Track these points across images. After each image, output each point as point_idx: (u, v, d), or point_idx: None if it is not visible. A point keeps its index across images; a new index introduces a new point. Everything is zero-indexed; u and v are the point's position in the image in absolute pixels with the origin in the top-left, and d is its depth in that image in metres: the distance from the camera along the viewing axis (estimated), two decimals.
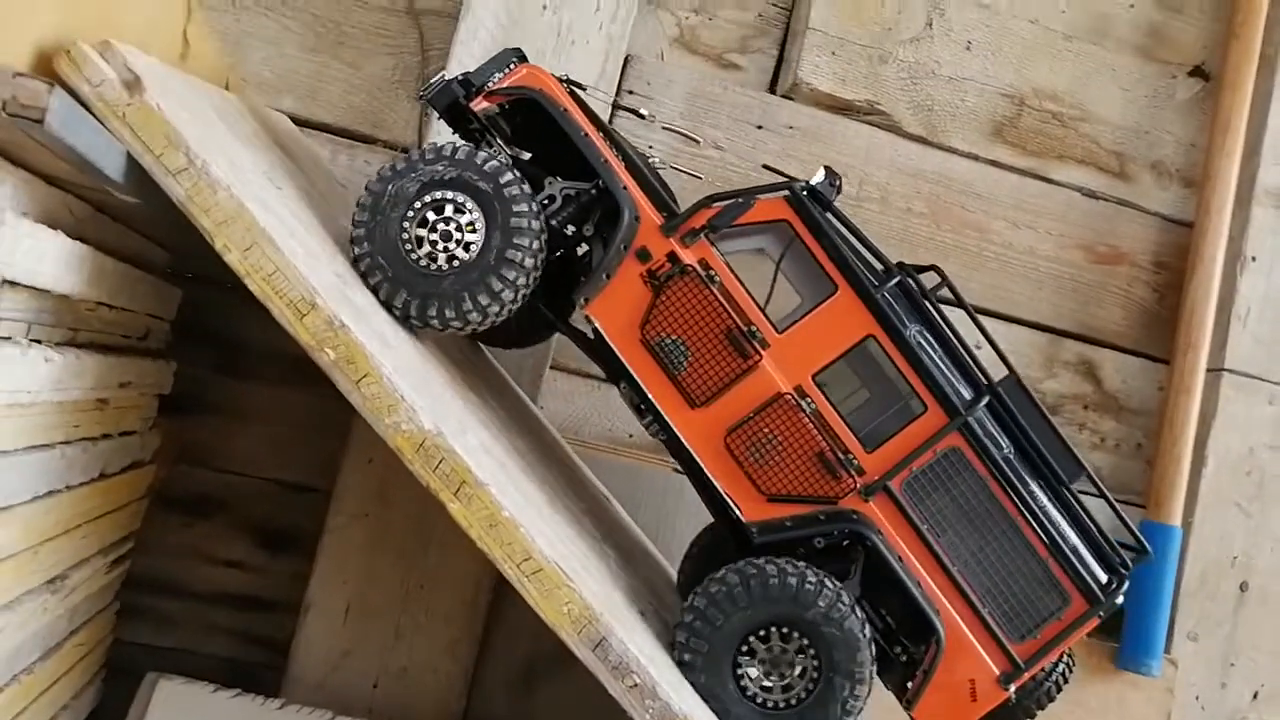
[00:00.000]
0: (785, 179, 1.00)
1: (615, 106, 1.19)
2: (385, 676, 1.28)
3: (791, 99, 1.56)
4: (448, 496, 0.82)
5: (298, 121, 1.41)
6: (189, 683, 1.15)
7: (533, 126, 1.03)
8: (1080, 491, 1.00)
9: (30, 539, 0.85)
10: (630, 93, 1.51)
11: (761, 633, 0.92)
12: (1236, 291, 1.63)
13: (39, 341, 0.83)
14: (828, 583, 0.92)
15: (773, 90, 1.58)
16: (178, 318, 1.24)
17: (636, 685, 0.83)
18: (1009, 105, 1.63)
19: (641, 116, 1.18)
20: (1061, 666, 1.07)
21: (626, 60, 1.49)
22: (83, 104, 0.75)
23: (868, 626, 0.93)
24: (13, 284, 0.72)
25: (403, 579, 1.30)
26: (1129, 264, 1.66)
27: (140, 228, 1.06)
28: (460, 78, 1.01)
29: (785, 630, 0.92)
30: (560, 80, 1.04)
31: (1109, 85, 1.66)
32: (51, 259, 0.74)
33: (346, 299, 0.85)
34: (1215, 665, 1.59)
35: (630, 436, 1.49)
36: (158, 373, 1.15)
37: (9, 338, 0.77)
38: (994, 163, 1.62)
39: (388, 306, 0.93)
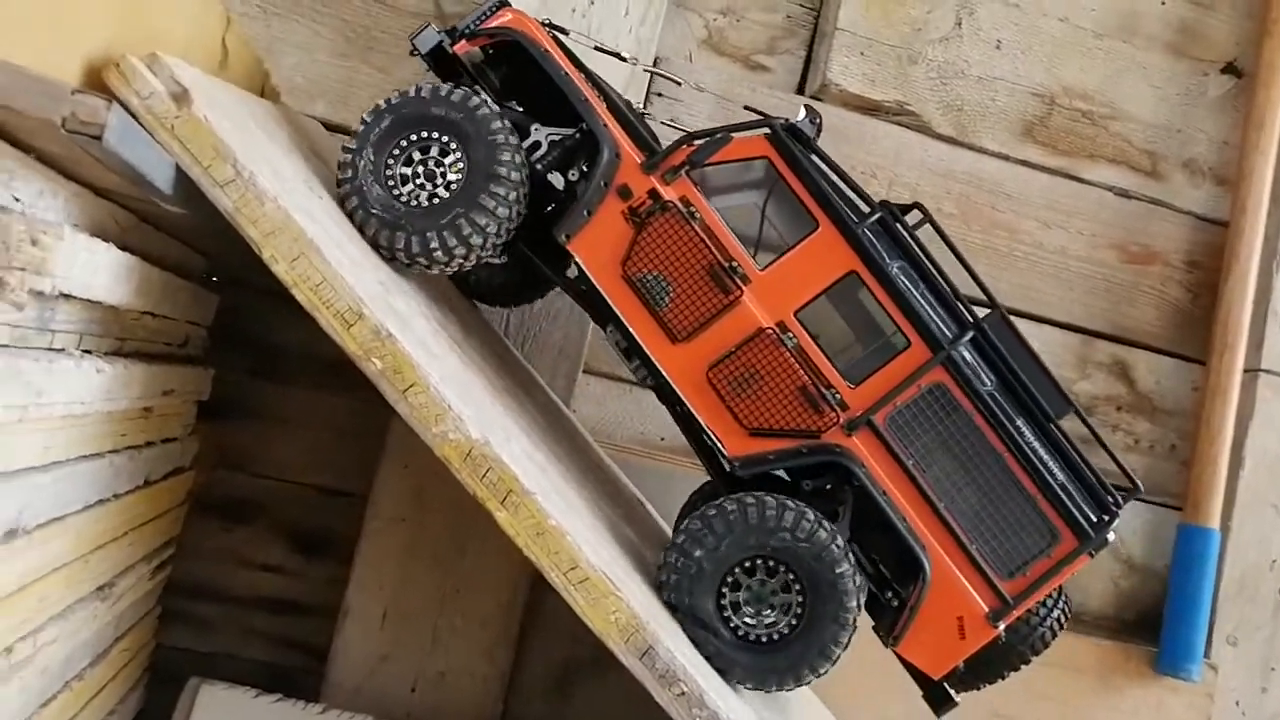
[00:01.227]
0: (765, 117, 1.01)
1: (598, 48, 1.20)
2: (423, 681, 1.29)
3: (820, 100, 1.56)
4: (495, 505, 0.82)
5: (329, 127, 1.42)
6: (231, 688, 1.15)
7: (520, 79, 1.04)
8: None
9: (81, 548, 0.86)
10: (659, 95, 1.51)
11: (741, 569, 0.93)
12: (1272, 290, 1.62)
13: (89, 352, 0.83)
14: (789, 503, 0.92)
15: (801, 91, 1.58)
16: (214, 323, 1.25)
17: (684, 694, 0.83)
18: (1039, 104, 1.62)
19: (622, 59, 1.20)
20: (1056, 613, 1.06)
21: (655, 62, 1.49)
22: (131, 116, 0.75)
23: (839, 537, 0.93)
24: (68, 297, 0.72)
25: (439, 583, 1.31)
26: (1162, 263, 1.65)
27: (180, 235, 1.07)
28: (449, 28, 1.03)
29: (764, 563, 0.93)
30: (543, 24, 1.05)
31: (1140, 83, 1.64)
32: (104, 271, 0.75)
33: (391, 308, 0.86)
34: (1255, 670, 1.57)
35: (662, 440, 1.49)
36: (197, 379, 1.16)
37: (62, 349, 0.77)
38: (1024, 162, 1.61)
39: (379, 248, 0.94)
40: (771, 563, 0.93)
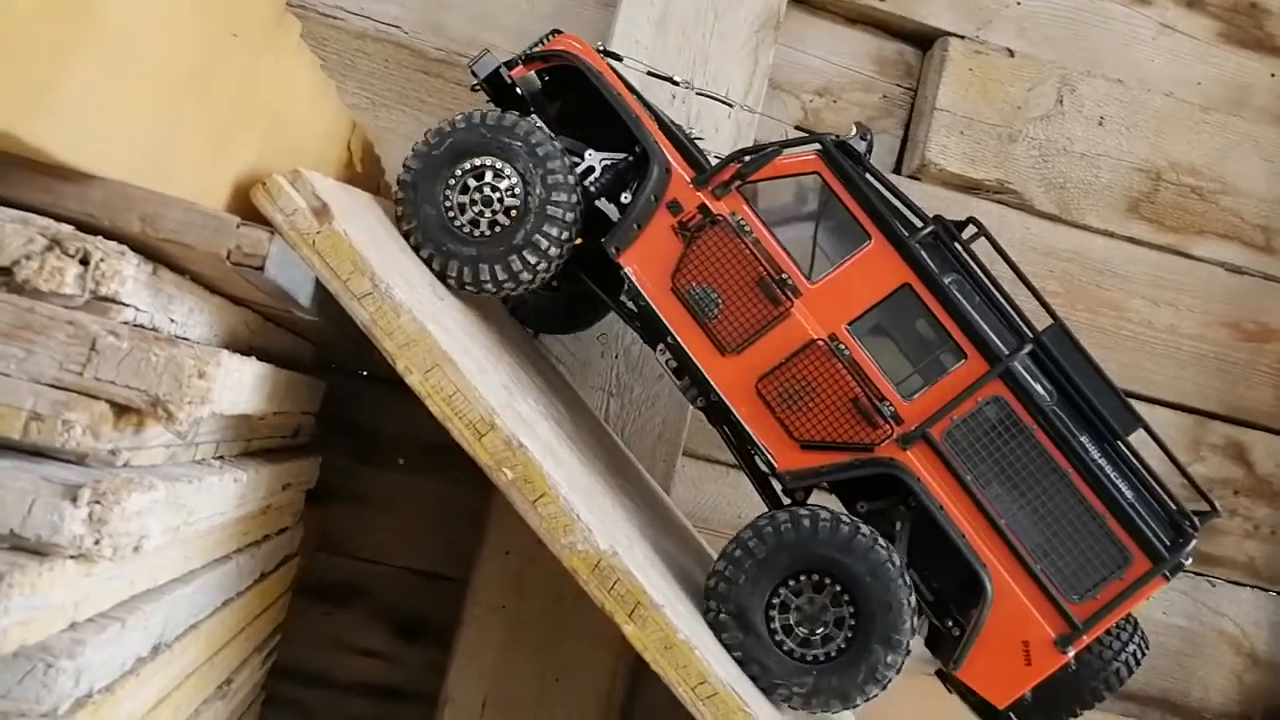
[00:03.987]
0: (815, 134, 1.01)
1: (650, 73, 1.23)
2: None
3: (918, 179, 1.54)
4: (622, 618, 0.81)
5: None
6: None
7: (577, 109, 1.06)
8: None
9: (209, 651, 0.86)
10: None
11: (791, 584, 0.91)
12: None
13: (221, 457, 0.85)
14: (844, 517, 0.91)
15: (898, 170, 1.56)
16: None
17: None
18: (1145, 180, 1.58)
19: (675, 83, 1.21)
20: (1133, 646, 1.00)
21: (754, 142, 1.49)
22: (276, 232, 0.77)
23: (894, 554, 0.90)
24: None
25: (539, 672, 1.29)
26: None
27: (296, 329, 1.09)
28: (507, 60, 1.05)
29: (815, 578, 0.91)
30: (597, 49, 1.07)
31: (1250, 157, 1.60)
32: (247, 386, 0.76)
33: (518, 415, 0.86)
34: None
35: None
36: (309, 469, 1.17)
37: (202, 461, 0.79)
38: (1130, 239, 1.57)
39: (441, 277, 0.96)
40: (822, 578, 0.91)
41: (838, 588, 0.91)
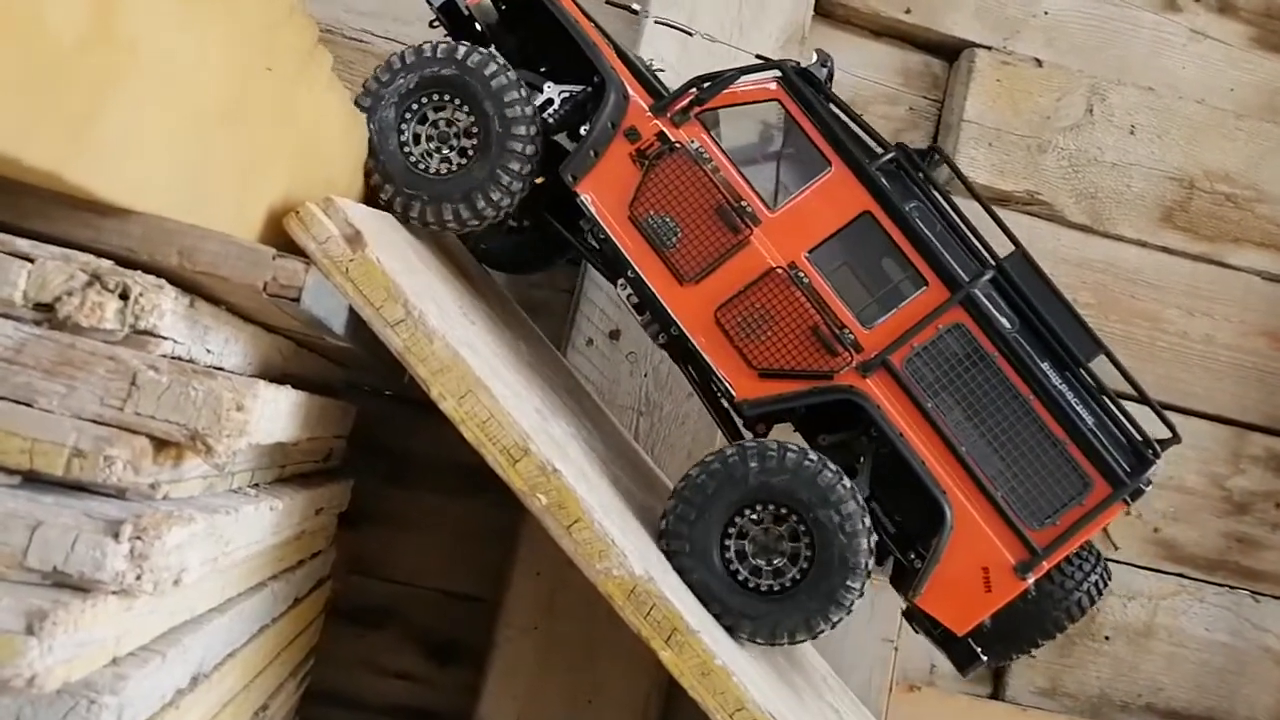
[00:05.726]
0: (775, 60, 1.00)
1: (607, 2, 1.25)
2: None
3: (947, 192, 1.52)
4: (659, 644, 0.80)
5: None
6: None
7: (536, 41, 1.05)
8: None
9: (246, 678, 0.86)
10: None
11: (745, 516, 0.91)
12: None
13: (256, 485, 0.85)
14: (790, 446, 0.90)
15: None
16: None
17: None
18: (1178, 189, 1.56)
19: (634, 11, 1.21)
20: (1095, 577, 0.99)
21: None
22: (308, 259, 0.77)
23: (844, 477, 0.89)
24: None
25: (572, 693, 1.28)
26: None
27: (327, 354, 1.09)
28: None
29: (769, 509, 0.90)
30: None
31: None
32: (283, 416, 0.76)
33: (550, 437, 0.85)
34: None
35: None
36: (341, 493, 1.18)
37: (238, 490, 0.79)
38: (1164, 249, 1.55)
39: (394, 212, 0.96)
40: (776, 508, 0.90)
41: (793, 518, 0.90)
